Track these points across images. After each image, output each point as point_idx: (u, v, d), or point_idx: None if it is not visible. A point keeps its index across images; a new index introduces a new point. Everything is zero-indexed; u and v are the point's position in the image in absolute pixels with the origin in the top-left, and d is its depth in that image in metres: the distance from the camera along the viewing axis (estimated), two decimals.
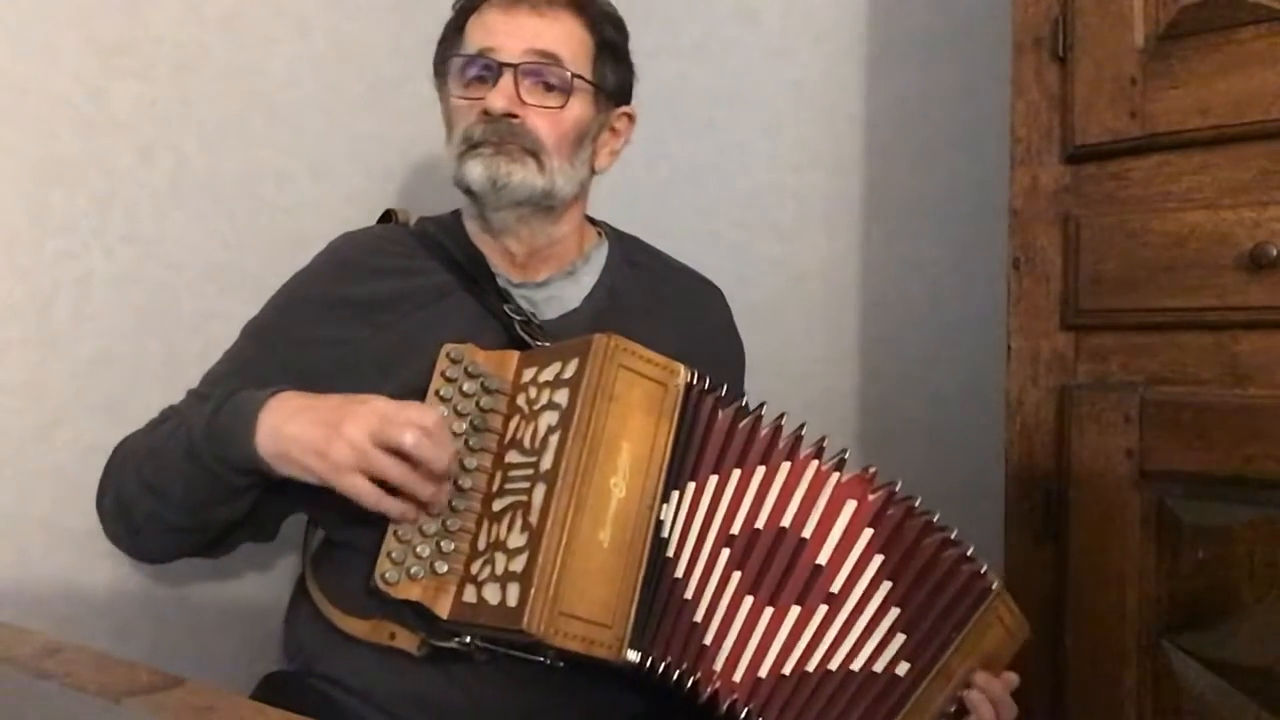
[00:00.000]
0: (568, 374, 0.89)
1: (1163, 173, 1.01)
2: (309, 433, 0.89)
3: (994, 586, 0.94)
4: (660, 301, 1.15)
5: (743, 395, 1.18)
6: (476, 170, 1.02)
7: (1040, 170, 1.08)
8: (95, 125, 1.18)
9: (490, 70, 1.03)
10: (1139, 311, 1.02)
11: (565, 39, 1.05)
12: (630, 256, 1.18)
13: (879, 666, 0.91)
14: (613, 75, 1.10)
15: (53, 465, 1.15)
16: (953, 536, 0.94)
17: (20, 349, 1.13)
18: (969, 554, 0.94)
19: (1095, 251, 1.04)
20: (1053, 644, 1.05)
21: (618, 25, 1.11)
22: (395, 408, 0.89)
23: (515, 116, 1.02)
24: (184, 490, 0.95)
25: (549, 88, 1.04)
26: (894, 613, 0.92)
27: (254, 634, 1.32)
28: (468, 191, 1.05)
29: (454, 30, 1.09)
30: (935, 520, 0.94)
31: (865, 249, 1.59)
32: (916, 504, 0.94)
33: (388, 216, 1.19)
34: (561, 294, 1.10)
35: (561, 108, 1.04)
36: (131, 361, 1.22)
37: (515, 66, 1.02)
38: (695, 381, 0.92)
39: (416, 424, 0.86)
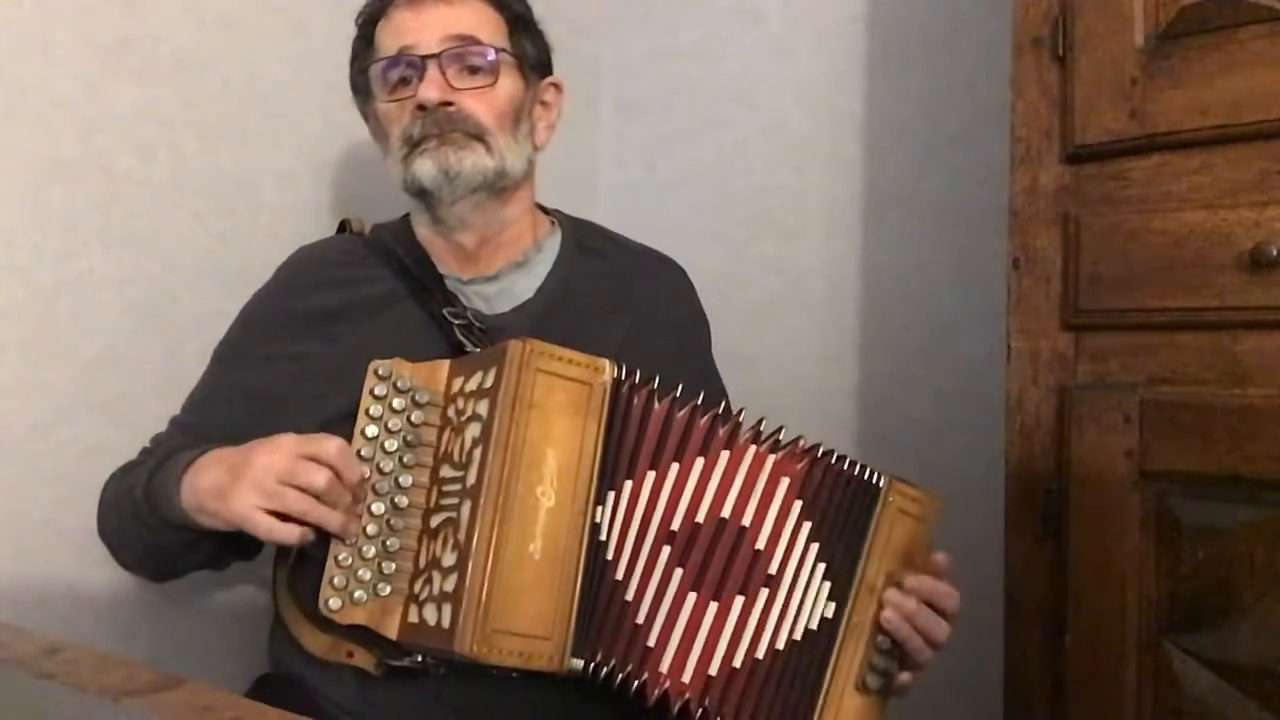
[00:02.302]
0: (488, 383, 0.87)
1: (1163, 173, 1.01)
2: (217, 481, 0.90)
3: (879, 482, 0.94)
4: (615, 286, 1.13)
5: (716, 377, 1.17)
6: (426, 166, 1.01)
7: (1040, 170, 1.08)
8: (95, 125, 1.18)
9: (414, 67, 1.03)
10: (1139, 311, 1.02)
11: (478, 20, 1.05)
12: (584, 242, 1.16)
13: (814, 623, 0.91)
14: (531, 47, 1.10)
15: (53, 465, 1.15)
16: (859, 469, 0.93)
17: (20, 349, 1.13)
18: (867, 475, 0.94)
19: (1095, 251, 1.04)
20: (1053, 644, 1.05)
21: (523, 1, 1.12)
22: (300, 442, 0.89)
23: (450, 105, 1.02)
24: (140, 545, 1.02)
25: (475, 70, 1.04)
26: (821, 567, 0.92)
27: (253, 634, 1.32)
28: (420, 192, 1.04)
29: (363, 44, 1.09)
30: (847, 464, 0.94)
31: (865, 249, 1.59)
32: (834, 459, 0.93)
33: (343, 227, 1.18)
34: (514, 286, 1.09)
35: (492, 85, 1.04)
36: (131, 361, 1.22)
37: (438, 56, 1.02)
38: (624, 377, 0.90)
39: (325, 460, 0.87)
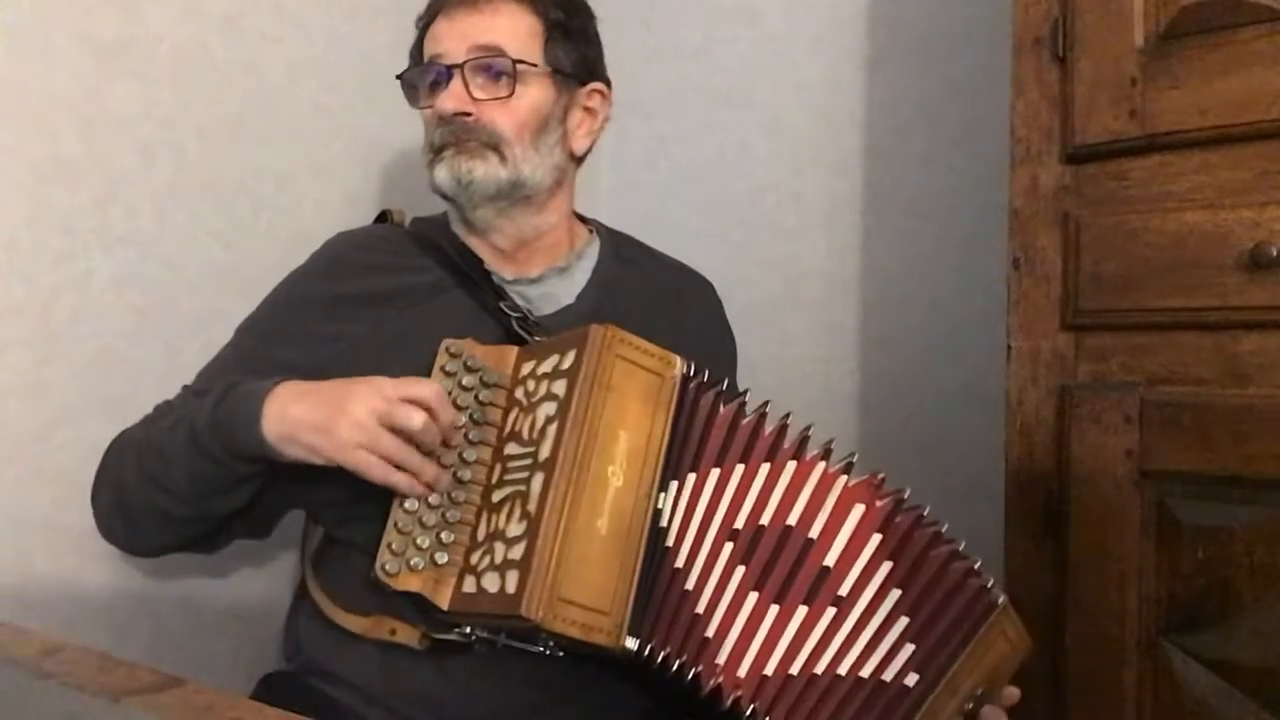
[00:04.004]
0: (565, 365, 0.90)
1: (1163, 173, 1.01)
2: (315, 413, 0.90)
3: (1000, 601, 0.93)
4: (653, 297, 1.16)
5: (743, 389, 1.20)
6: (442, 174, 1.04)
7: (1040, 170, 1.08)
8: (95, 125, 1.19)
9: (442, 76, 1.05)
10: (1139, 311, 1.02)
11: (507, 29, 1.05)
12: (622, 253, 1.19)
13: (888, 675, 0.89)
14: (568, 55, 1.09)
15: (53, 465, 1.15)
16: (961, 548, 0.93)
17: (20, 349, 1.13)
18: (977, 567, 0.93)
19: (1095, 251, 1.04)
20: (1053, 644, 1.05)
21: (567, 5, 1.10)
22: (397, 385, 0.90)
23: (468, 114, 1.03)
24: (187, 481, 0.96)
25: (496, 79, 1.04)
26: (903, 621, 0.90)
27: (254, 634, 1.32)
28: (445, 197, 1.07)
29: (416, 52, 1.12)
30: (943, 531, 0.93)
31: (865, 249, 1.59)
32: (925, 513, 0.93)
33: (383, 217, 1.20)
34: (555, 290, 1.11)
35: (510, 95, 1.04)
36: (131, 361, 1.22)
37: (461, 66, 1.03)
38: (692, 374, 0.92)
39: (422, 403, 0.88)
